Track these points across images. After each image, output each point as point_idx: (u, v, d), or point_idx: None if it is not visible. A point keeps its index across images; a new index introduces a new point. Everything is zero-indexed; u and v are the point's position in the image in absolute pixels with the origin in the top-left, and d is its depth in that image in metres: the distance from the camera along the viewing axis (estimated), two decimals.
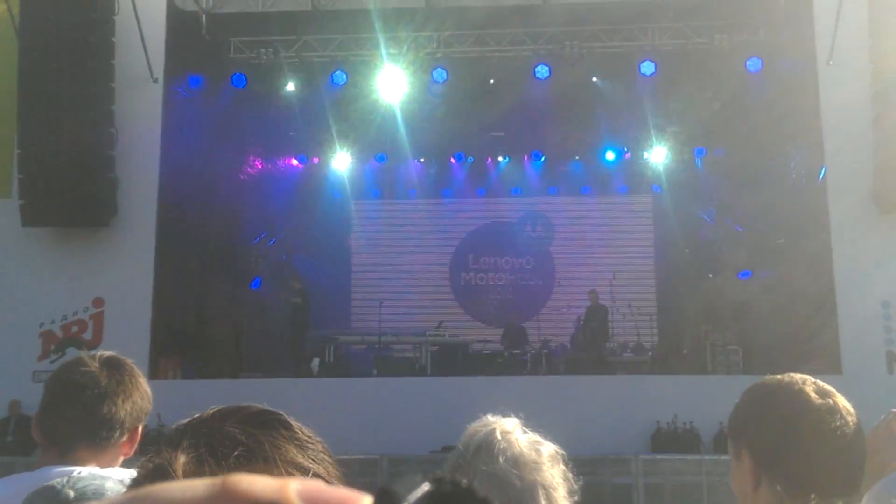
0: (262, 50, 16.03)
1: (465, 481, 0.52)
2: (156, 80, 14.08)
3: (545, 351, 16.10)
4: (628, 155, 19.83)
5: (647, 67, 15.59)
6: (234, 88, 16.36)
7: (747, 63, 15.35)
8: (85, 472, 1.98)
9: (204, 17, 15.48)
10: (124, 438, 2.25)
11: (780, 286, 15.88)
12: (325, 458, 0.95)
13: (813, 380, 1.90)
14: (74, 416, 2.19)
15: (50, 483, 1.87)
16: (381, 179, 20.93)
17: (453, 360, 15.88)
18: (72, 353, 12.01)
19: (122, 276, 13.72)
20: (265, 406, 0.97)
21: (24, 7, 13.12)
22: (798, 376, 1.91)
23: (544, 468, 1.62)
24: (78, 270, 13.74)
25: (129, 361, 2.35)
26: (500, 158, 20.47)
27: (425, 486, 0.53)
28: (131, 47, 13.60)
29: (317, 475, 0.91)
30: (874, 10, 12.88)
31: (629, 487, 11.56)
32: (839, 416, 1.82)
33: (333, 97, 16.70)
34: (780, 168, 16.45)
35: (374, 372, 15.32)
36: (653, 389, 13.72)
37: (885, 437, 2.12)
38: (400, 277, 20.29)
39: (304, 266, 19.68)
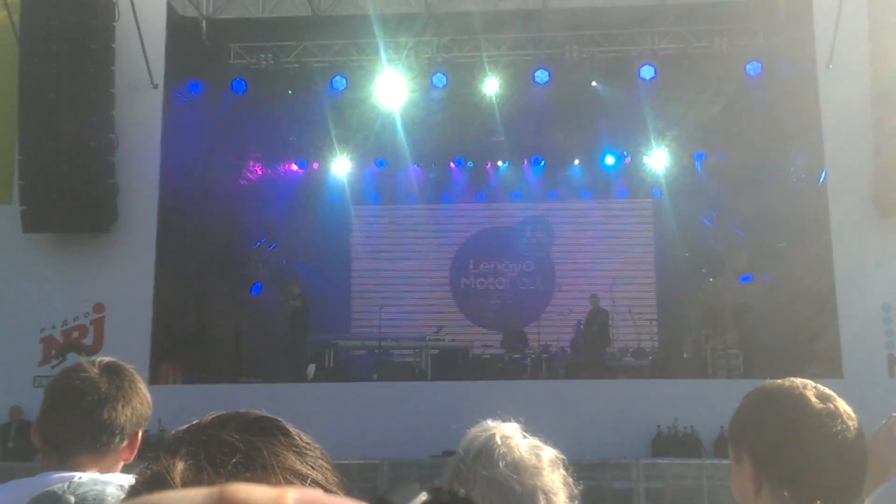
0: (262, 55, 16.06)
1: (462, 491, 0.52)
2: (156, 86, 14.10)
3: (545, 355, 16.09)
4: (628, 159, 19.84)
5: (647, 72, 15.61)
6: (234, 94, 16.39)
7: (747, 67, 15.37)
8: (85, 478, 1.98)
9: (204, 22, 15.51)
10: (124, 444, 2.25)
11: (781, 290, 15.87)
12: (324, 464, 0.95)
13: (813, 384, 1.90)
14: (75, 421, 2.19)
15: (51, 488, 1.87)
16: (380, 184, 20.93)
17: (453, 364, 15.87)
18: (72, 359, 12.00)
19: (122, 282, 13.72)
20: (264, 412, 0.97)
21: (24, 13, 13.15)
22: (798, 381, 1.90)
23: (544, 473, 1.62)
24: (78, 276, 13.75)
25: (129, 367, 2.35)
26: (499, 163, 20.48)
27: (423, 496, 0.53)
28: (131, 53, 13.62)
29: (315, 482, 0.91)
30: (873, 13, 12.90)
31: (630, 492, 11.55)
32: (840, 420, 1.82)
33: (333, 102, 16.72)
34: (781, 171, 16.45)
35: (375, 377, 15.31)
36: (653, 393, 13.71)
37: (886, 442, 2.12)
38: (400, 282, 20.29)
39: (304, 271, 19.67)
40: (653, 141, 18.26)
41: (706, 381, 14.13)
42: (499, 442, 1.63)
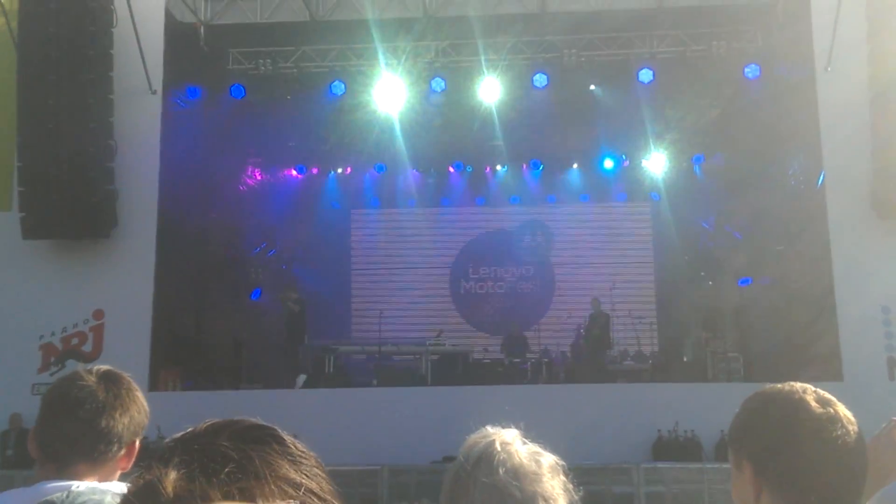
0: (261, 61, 16.07)
1: None
2: (154, 92, 14.11)
3: (545, 359, 16.09)
4: (627, 163, 19.86)
5: (646, 75, 15.63)
6: (233, 99, 16.40)
7: (745, 70, 15.39)
8: (83, 487, 1.98)
9: (202, 28, 15.52)
10: (122, 452, 2.25)
11: (780, 292, 15.88)
12: (319, 473, 0.94)
13: (813, 389, 1.89)
14: (72, 430, 2.19)
15: (48, 498, 1.86)
16: (380, 189, 20.96)
17: (453, 369, 15.87)
18: (72, 366, 11.97)
19: (122, 288, 13.71)
20: (258, 420, 0.96)
21: (22, 20, 13.16)
22: (798, 385, 1.90)
23: (544, 479, 1.61)
24: (78, 282, 13.74)
25: (127, 375, 2.34)
26: (498, 167, 20.50)
27: None
28: (130, 59, 13.62)
29: (309, 490, 0.90)
30: (871, 15, 12.92)
31: (630, 496, 11.53)
32: (840, 424, 1.81)
33: (332, 107, 16.74)
34: (779, 174, 16.46)
35: (375, 382, 15.31)
36: (654, 397, 13.71)
37: (886, 446, 2.11)
38: (400, 287, 20.30)
39: (304, 276, 19.68)
40: (651, 144, 18.29)
41: (706, 385, 14.12)
42: (498, 448, 1.63)
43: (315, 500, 0.90)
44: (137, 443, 2.30)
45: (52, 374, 13.03)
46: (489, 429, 1.71)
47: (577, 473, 1.74)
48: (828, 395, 1.89)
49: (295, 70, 16.30)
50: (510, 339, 17.23)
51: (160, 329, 13.95)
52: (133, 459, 2.28)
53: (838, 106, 13.38)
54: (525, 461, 1.62)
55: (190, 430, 0.94)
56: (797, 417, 1.82)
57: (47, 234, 13.59)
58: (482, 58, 15.42)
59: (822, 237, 13.63)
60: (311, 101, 16.73)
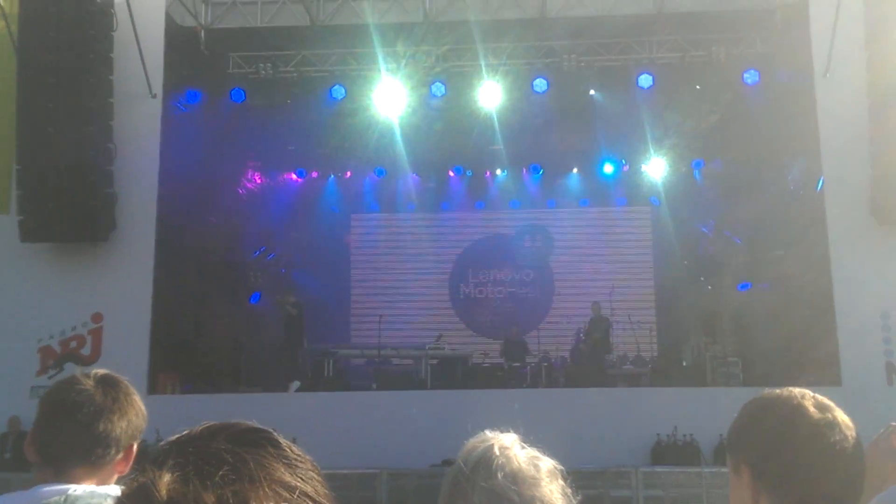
0: (261, 65, 16.09)
1: None
2: (154, 96, 14.12)
3: (545, 364, 16.08)
4: (626, 167, 19.87)
5: (645, 80, 15.65)
6: (233, 103, 16.40)
7: (744, 75, 15.41)
8: (79, 491, 1.98)
9: (202, 32, 15.53)
10: (120, 456, 2.25)
11: (779, 297, 15.88)
12: (315, 476, 0.94)
13: (812, 394, 1.90)
14: (70, 434, 2.19)
15: (46, 501, 1.86)
16: (380, 193, 20.97)
17: (453, 373, 15.85)
18: (70, 369, 11.96)
19: (120, 291, 13.70)
20: (254, 423, 0.97)
21: (23, 23, 13.18)
22: (797, 390, 1.90)
23: (543, 484, 1.61)
24: (76, 286, 13.73)
25: (124, 379, 2.34)
26: (498, 171, 20.51)
27: None
28: (130, 63, 13.63)
29: (304, 494, 0.90)
30: (870, 22, 12.94)
31: (629, 500, 11.54)
32: (838, 430, 1.82)
33: (332, 111, 16.74)
34: (778, 179, 16.48)
35: (374, 385, 15.29)
36: (652, 402, 13.71)
37: (884, 451, 2.12)
38: (399, 291, 20.31)
39: (303, 280, 19.69)
40: (651, 149, 18.31)
41: (705, 390, 14.12)
42: (497, 453, 1.63)
43: (310, 503, 0.91)
44: (135, 446, 2.30)
45: (50, 378, 13.01)
46: (488, 433, 1.71)
47: (576, 477, 1.74)
48: (826, 401, 1.89)
49: (295, 74, 16.31)
50: (509, 343, 17.22)
51: (159, 332, 13.94)
52: (130, 463, 2.28)
53: (837, 112, 13.40)
54: (524, 466, 1.62)
55: (185, 432, 0.94)
56: (795, 423, 1.82)
57: (46, 237, 13.58)
58: (482, 62, 15.44)
59: (821, 242, 13.64)
60: (312, 106, 16.74)
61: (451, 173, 20.74)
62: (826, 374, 12.86)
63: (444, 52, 16.10)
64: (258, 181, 19.73)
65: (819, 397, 1.89)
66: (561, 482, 1.65)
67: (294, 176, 20.38)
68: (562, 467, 1.68)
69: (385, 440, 12.73)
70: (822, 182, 13.80)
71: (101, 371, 2.33)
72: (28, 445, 2.26)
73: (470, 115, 16.69)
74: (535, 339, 17.74)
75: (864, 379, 12.56)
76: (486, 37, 15.04)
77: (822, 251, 13.53)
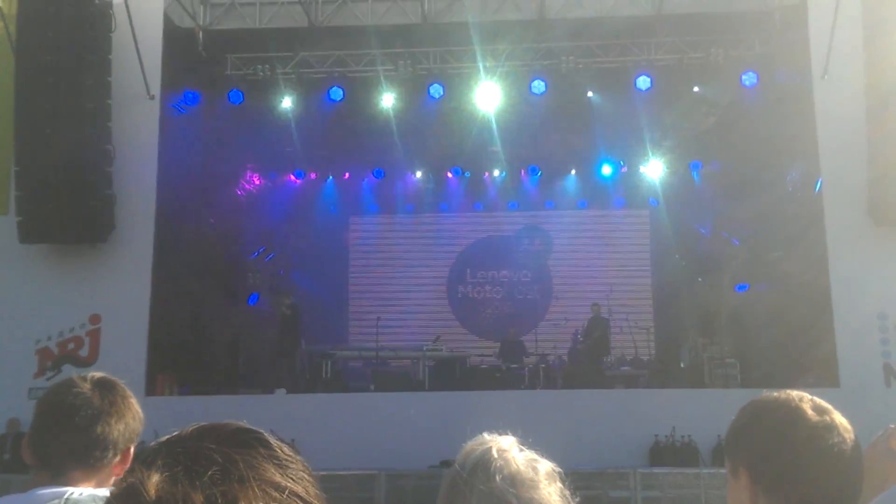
0: (259, 66, 16.08)
1: None
2: (152, 97, 14.11)
3: (543, 365, 16.09)
4: (625, 169, 19.88)
5: (644, 82, 15.66)
6: (231, 104, 16.38)
7: (743, 77, 15.42)
8: (77, 494, 1.98)
9: (201, 33, 15.52)
10: (117, 459, 2.25)
11: (777, 299, 15.89)
12: (305, 477, 0.94)
13: (810, 397, 1.90)
14: (68, 437, 2.19)
15: None
16: (378, 194, 20.97)
17: (451, 374, 15.86)
18: (68, 370, 11.93)
19: (119, 293, 13.69)
20: (245, 423, 0.97)
21: (21, 25, 13.17)
22: (795, 393, 1.91)
23: (541, 486, 1.61)
24: (75, 287, 13.71)
25: (121, 382, 2.35)
26: (496, 173, 20.51)
27: None
28: (128, 64, 13.62)
29: (294, 494, 0.90)
30: (868, 23, 12.95)
31: (627, 501, 11.54)
32: (836, 433, 1.82)
33: (331, 113, 16.73)
34: (776, 181, 16.49)
35: (372, 387, 15.28)
36: (650, 403, 13.71)
37: (882, 454, 2.12)
38: (397, 292, 20.31)
39: (302, 281, 19.68)
40: (649, 151, 18.32)
41: (703, 391, 14.14)
42: (495, 455, 1.63)
43: (300, 503, 0.91)
44: (132, 449, 2.31)
45: (48, 379, 13.00)
46: (486, 436, 1.71)
47: (574, 478, 1.74)
48: (824, 404, 1.89)
49: (293, 75, 16.30)
50: (507, 345, 17.22)
51: (157, 334, 13.93)
52: (127, 466, 2.28)
53: (835, 113, 13.41)
54: (522, 468, 1.63)
55: (176, 433, 0.94)
56: (794, 425, 1.83)
57: (44, 238, 13.57)
58: (480, 64, 15.44)
59: (818, 244, 13.65)
60: (310, 107, 16.73)
61: (450, 174, 20.75)
62: (824, 376, 12.88)
63: (442, 54, 16.12)
64: (257, 182, 19.72)
65: (817, 400, 1.90)
66: (559, 484, 1.65)
67: (292, 177, 20.37)
68: (560, 469, 1.68)
69: (383, 441, 12.72)
70: (820, 183, 13.82)
71: (98, 374, 2.33)
72: (25, 448, 2.26)
73: (468, 116, 16.69)
74: (533, 340, 17.75)
75: (862, 380, 12.57)
76: (484, 38, 15.05)
77: (820, 252, 13.55)
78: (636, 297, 19.77)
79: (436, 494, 1.70)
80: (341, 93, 16.21)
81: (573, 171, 20.40)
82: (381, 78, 16.13)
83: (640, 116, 16.69)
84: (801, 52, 14.01)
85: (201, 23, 15.46)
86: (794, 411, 1.85)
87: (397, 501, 11.74)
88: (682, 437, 12.79)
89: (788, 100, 14.99)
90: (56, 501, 1.87)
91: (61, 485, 2.12)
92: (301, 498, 0.91)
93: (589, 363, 16.13)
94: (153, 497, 0.83)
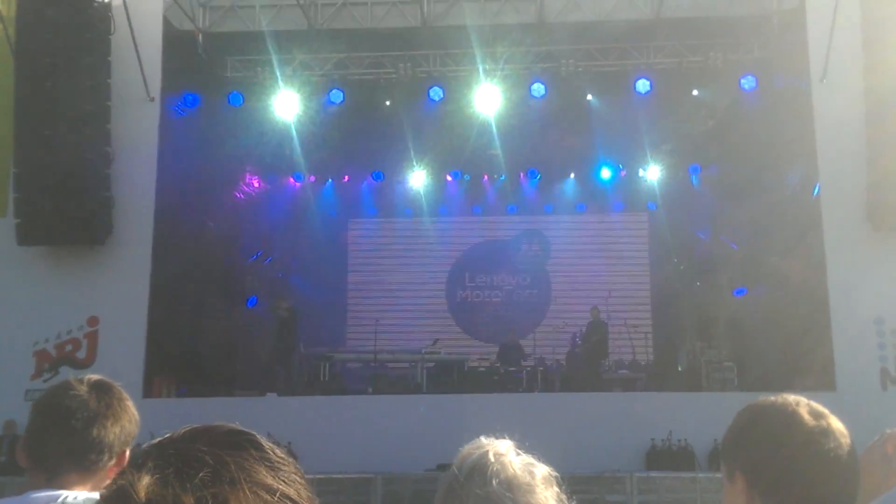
0: (259, 69, 16.08)
1: None
2: (152, 99, 14.10)
3: (541, 368, 16.08)
4: (624, 172, 19.90)
5: (643, 85, 15.68)
6: (231, 107, 16.38)
7: (742, 81, 15.45)
8: (72, 497, 1.97)
9: (200, 36, 15.53)
10: (113, 462, 2.25)
11: (775, 303, 15.90)
12: (297, 479, 0.94)
13: (807, 401, 1.90)
14: (64, 440, 2.19)
15: None
16: (377, 197, 20.97)
17: (449, 377, 15.84)
18: (65, 372, 11.88)
19: (117, 295, 13.68)
20: (237, 426, 0.96)
21: (20, 26, 13.17)
22: (792, 398, 1.91)
23: (538, 490, 1.61)
24: (73, 289, 13.70)
25: (117, 385, 2.34)
26: (496, 176, 20.52)
27: None
28: (127, 66, 13.62)
29: (286, 496, 0.90)
30: (867, 27, 12.97)
31: None
32: (833, 437, 1.82)
33: (330, 115, 16.73)
34: (775, 185, 16.50)
35: (370, 390, 15.28)
36: (648, 406, 13.70)
37: (878, 459, 2.12)
38: (396, 295, 20.30)
39: (301, 284, 19.67)
40: (648, 154, 18.33)
41: (700, 395, 14.13)
42: (492, 459, 1.63)
43: None
44: (128, 452, 2.30)
45: (45, 381, 12.97)
46: (483, 439, 1.71)
47: (571, 482, 1.74)
48: (821, 408, 1.90)
49: (293, 78, 16.30)
50: (506, 348, 17.22)
51: (155, 336, 13.91)
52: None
53: (834, 117, 13.42)
54: (519, 472, 1.62)
55: (168, 435, 0.94)
56: (790, 430, 1.83)
57: (42, 240, 13.55)
58: (480, 67, 15.45)
59: (817, 248, 13.66)
60: (310, 109, 16.73)
61: (449, 178, 20.75)
62: (821, 379, 12.89)
63: (442, 57, 16.13)
64: (256, 185, 19.70)
65: (814, 405, 1.90)
66: (556, 489, 1.65)
67: (292, 180, 20.37)
68: (557, 474, 1.68)
69: (380, 444, 12.71)
70: (819, 187, 13.82)
71: (95, 376, 2.33)
72: (21, 451, 2.25)
73: (468, 119, 16.70)
74: (532, 343, 17.74)
75: (858, 384, 12.57)
76: (484, 42, 15.06)
77: (818, 256, 13.56)
78: (634, 300, 19.77)
79: (432, 498, 1.70)
80: (341, 95, 16.21)
81: (572, 175, 20.42)
82: (381, 81, 16.13)
83: (640, 120, 16.71)
84: (800, 56, 14.02)
85: (201, 25, 15.46)
86: (790, 416, 1.85)
87: None
88: (679, 440, 12.79)
89: (787, 103, 15.01)
90: None
91: (57, 487, 2.11)
92: (293, 500, 0.91)
93: (587, 367, 16.13)
94: (143, 499, 0.83)
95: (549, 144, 18.67)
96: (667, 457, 12.73)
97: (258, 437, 0.95)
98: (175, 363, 14.95)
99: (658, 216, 20.01)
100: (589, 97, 16.96)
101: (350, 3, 15.32)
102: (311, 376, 16.18)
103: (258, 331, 17.82)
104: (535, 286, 20.83)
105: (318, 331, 18.37)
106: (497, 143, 17.46)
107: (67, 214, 13.18)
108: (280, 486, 0.90)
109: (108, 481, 2.33)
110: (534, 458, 1.68)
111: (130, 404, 2.32)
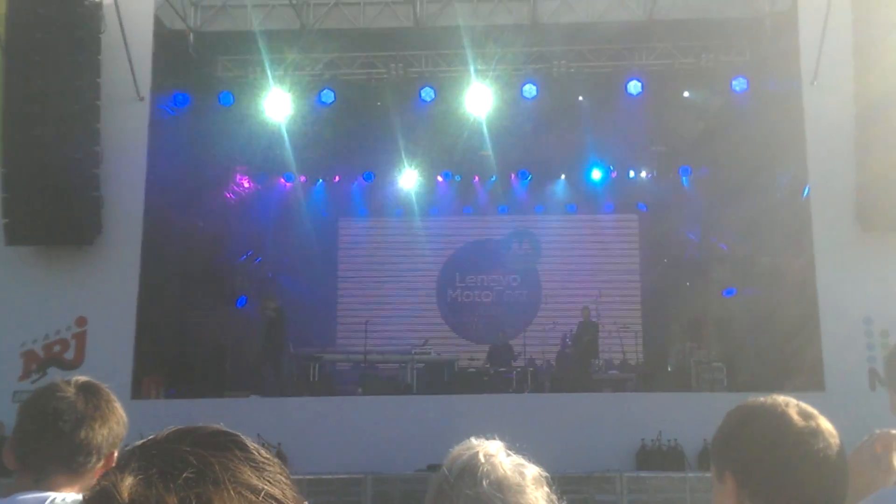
0: (250, 68, 16.04)
1: None
2: (142, 99, 14.05)
3: (531, 368, 16.10)
4: (614, 173, 19.94)
5: (634, 87, 15.70)
6: (221, 107, 16.32)
7: (733, 83, 15.49)
8: (59, 499, 1.96)
9: (191, 35, 15.48)
10: (101, 464, 2.23)
11: (764, 304, 15.96)
12: (283, 479, 0.94)
13: (796, 402, 1.91)
14: (51, 442, 2.18)
15: None
16: (367, 198, 20.96)
17: (439, 378, 15.85)
18: (53, 373, 11.81)
19: (105, 295, 13.61)
20: (221, 426, 0.96)
21: (9, 25, 13.10)
22: (781, 398, 1.91)
23: (528, 491, 1.61)
24: (61, 289, 13.62)
25: (105, 386, 2.33)
26: (487, 177, 20.53)
27: None
28: (117, 65, 13.57)
29: (271, 496, 0.90)
30: (858, 30, 13.03)
31: None
32: (822, 438, 1.83)
33: (321, 115, 16.71)
34: (765, 186, 16.57)
35: (360, 390, 15.26)
36: (638, 407, 13.72)
37: (867, 459, 2.13)
38: (386, 295, 20.29)
39: (290, 284, 19.63)
40: (639, 155, 18.37)
41: (690, 395, 14.17)
42: (482, 460, 1.63)
43: None
44: (116, 454, 2.29)
45: (33, 382, 12.89)
46: (473, 440, 1.71)
47: (561, 482, 1.74)
48: (810, 409, 1.90)
49: (284, 78, 16.26)
50: (496, 348, 17.23)
51: (144, 336, 13.86)
52: None
53: (824, 119, 13.48)
54: (509, 473, 1.62)
55: (152, 436, 0.94)
56: (780, 431, 1.83)
57: (30, 240, 13.47)
58: (472, 68, 15.45)
59: (806, 249, 13.72)
60: (301, 110, 16.69)
61: (440, 178, 20.76)
62: (810, 380, 12.94)
63: (433, 57, 16.12)
64: (246, 185, 19.66)
65: (803, 405, 1.90)
66: (546, 489, 1.65)
67: (282, 180, 20.33)
68: (547, 474, 1.68)
69: (370, 445, 12.69)
70: (809, 189, 13.88)
71: (83, 378, 2.32)
72: (7, 452, 2.24)
73: (459, 120, 16.69)
74: (522, 344, 17.76)
75: (847, 384, 12.62)
76: (476, 42, 15.06)
77: (808, 257, 13.62)
78: (624, 301, 19.82)
79: (422, 499, 1.69)
80: (332, 95, 16.18)
81: (563, 176, 20.46)
82: (373, 81, 16.11)
83: (631, 121, 16.74)
84: (791, 59, 14.08)
85: (192, 25, 15.41)
86: (780, 417, 1.86)
87: None
88: (669, 440, 12.82)
89: (778, 106, 15.06)
90: None
91: (44, 489, 2.10)
92: (277, 500, 0.90)
93: (577, 367, 16.15)
94: (126, 500, 0.82)
95: (540, 145, 18.69)
96: (657, 457, 12.75)
97: (243, 437, 0.95)
98: (164, 364, 14.90)
99: (648, 217, 20.07)
100: (580, 98, 16.99)
101: (342, 2, 15.29)
102: (300, 377, 16.16)
103: (248, 331, 17.78)
104: (526, 287, 20.85)
105: (308, 331, 18.34)
106: (488, 143, 17.47)
107: (56, 214, 13.11)
108: (265, 486, 0.90)
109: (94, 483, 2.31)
110: (524, 458, 1.68)
111: (118, 406, 2.31)
